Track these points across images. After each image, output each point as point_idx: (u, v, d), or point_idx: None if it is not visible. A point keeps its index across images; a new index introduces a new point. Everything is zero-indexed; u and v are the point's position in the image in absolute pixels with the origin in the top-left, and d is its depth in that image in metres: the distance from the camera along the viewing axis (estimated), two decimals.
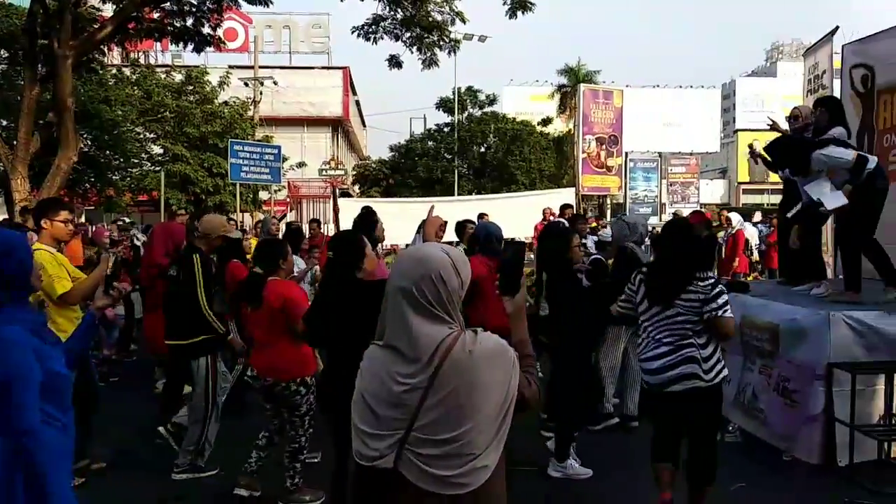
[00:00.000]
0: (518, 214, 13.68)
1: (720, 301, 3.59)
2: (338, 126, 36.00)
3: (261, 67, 26.44)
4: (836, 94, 7.39)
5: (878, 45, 7.05)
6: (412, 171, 30.21)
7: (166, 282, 4.92)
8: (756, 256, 11.61)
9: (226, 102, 21.40)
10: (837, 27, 7.66)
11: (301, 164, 26.40)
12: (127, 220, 11.69)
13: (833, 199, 5.11)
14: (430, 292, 1.83)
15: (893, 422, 4.71)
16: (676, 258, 3.72)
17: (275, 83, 26.81)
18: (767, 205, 38.08)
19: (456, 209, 14.61)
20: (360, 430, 1.85)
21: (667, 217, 23.08)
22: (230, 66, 24.40)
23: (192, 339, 4.63)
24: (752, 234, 11.81)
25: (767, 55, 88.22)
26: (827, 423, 4.69)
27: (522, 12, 11.64)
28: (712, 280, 3.68)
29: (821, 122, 5.67)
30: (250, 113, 23.08)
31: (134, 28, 11.26)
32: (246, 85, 24.42)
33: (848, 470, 4.53)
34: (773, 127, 6.04)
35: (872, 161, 5.16)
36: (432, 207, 3.82)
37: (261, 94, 25.02)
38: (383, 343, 1.87)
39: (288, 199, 27.85)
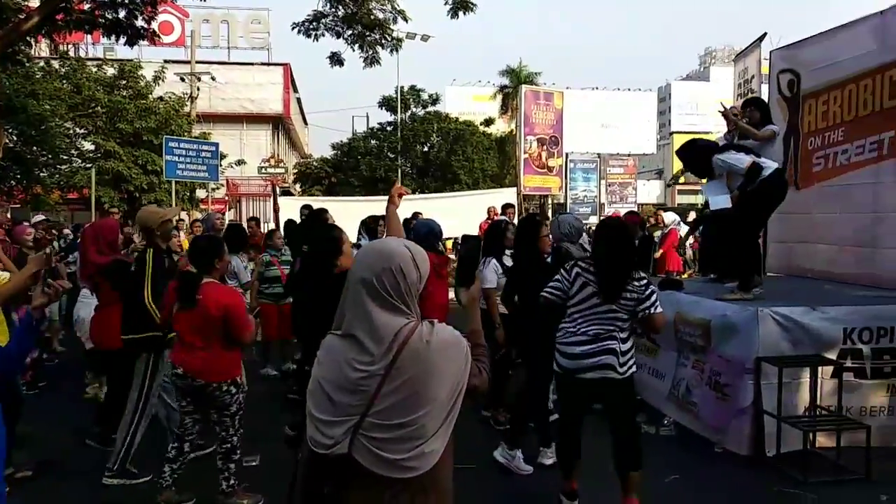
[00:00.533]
0: (461, 213, 13.73)
1: (653, 299, 3.82)
2: (278, 123, 35.41)
3: (198, 62, 25.75)
4: (765, 97, 7.69)
5: (804, 52, 7.36)
6: (355, 169, 29.94)
7: (110, 279, 4.89)
8: (690, 254, 11.96)
9: (161, 98, 20.77)
10: (765, 34, 7.97)
11: (240, 162, 25.84)
12: (43, 217, 11.19)
13: (718, 201, 5.42)
14: (390, 284, 1.92)
15: (817, 413, 4.93)
16: (618, 259, 3.85)
17: (213, 79, 26.18)
18: (702, 205, 39.30)
19: (400, 208, 14.46)
20: (315, 419, 1.91)
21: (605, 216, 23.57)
22: (165, 61, 23.73)
23: (140, 334, 4.53)
24: (685, 232, 12.15)
25: (701, 60, 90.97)
26: (756, 416, 4.87)
27: (464, 12, 11.69)
28: (645, 280, 3.89)
29: (753, 121, 5.89)
30: (187, 109, 22.46)
31: (63, 19, 10.76)
32: (182, 80, 23.76)
33: (775, 460, 4.71)
34: (725, 114, 6.16)
35: (769, 169, 5.38)
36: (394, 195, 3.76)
37: (198, 89, 24.36)
38: (342, 332, 1.94)
39: (227, 198, 27.26)
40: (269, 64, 33.91)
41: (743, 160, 5.40)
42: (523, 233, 5.14)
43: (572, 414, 4.09)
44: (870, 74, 6.37)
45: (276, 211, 10.36)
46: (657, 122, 52.97)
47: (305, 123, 46.85)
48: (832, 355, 4.94)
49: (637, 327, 4.15)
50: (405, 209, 12.53)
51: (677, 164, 47.43)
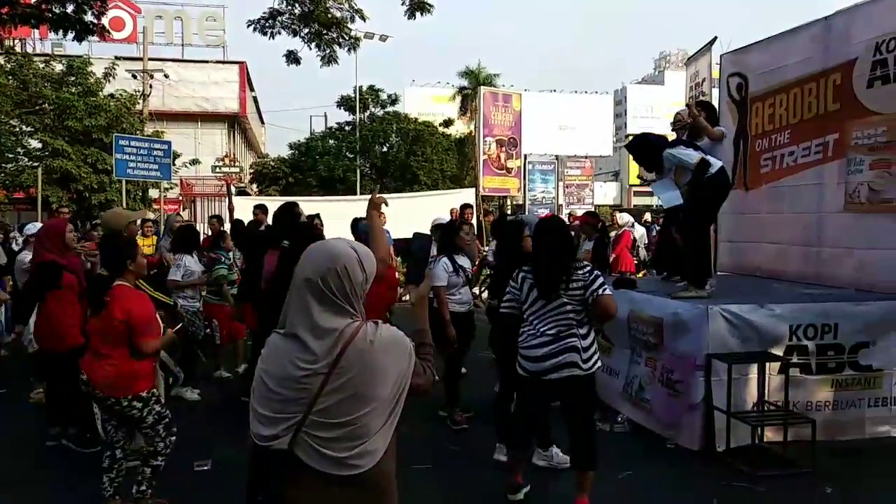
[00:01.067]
0: (420, 214, 13.69)
1: (599, 282, 3.87)
2: (234, 122, 34.86)
3: (150, 59, 25.14)
4: (715, 100, 7.87)
5: (751, 56, 7.55)
6: (313, 169, 29.65)
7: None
8: (644, 254, 12.15)
9: (112, 95, 20.20)
10: (715, 38, 8.15)
11: (195, 162, 25.28)
12: None
13: (671, 198, 5.54)
14: (335, 285, 1.94)
15: (765, 408, 5.05)
16: (551, 253, 3.95)
17: (166, 76, 25.61)
18: (656, 206, 40.03)
19: (359, 208, 14.40)
20: (258, 413, 1.94)
21: (563, 217, 23.78)
22: (117, 58, 23.11)
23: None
24: (640, 233, 12.37)
25: (656, 64, 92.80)
26: (706, 411, 4.96)
27: (421, 13, 11.65)
28: (588, 267, 3.98)
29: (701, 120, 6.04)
30: (139, 107, 21.92)
31: (7, 13, 10.37)
32: (134, 77, 23.17)
33: (726, 455, 4.81)
34: (689, 111, 6.27)
35: (715, 166, 5.51)
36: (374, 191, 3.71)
37: (150, 87, 23.80)
38: (286, 332, 1.97)
39: (181, 198, 26.69)
40: (224, 62, 33.34)
41: (692, 155, 5.52)
42: (506, 234, 5.20)
43: (531, 413, 4.14)
44: (814, 79, 6.57)
45: (231, 211, 10.20)
46: (613, 125, 53.76)
47: (262, 123, 46.23)
48: (779, 352, 5.08)
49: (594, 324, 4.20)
50: (362, 208, 12.42)
51: (634, 167, 48.21)
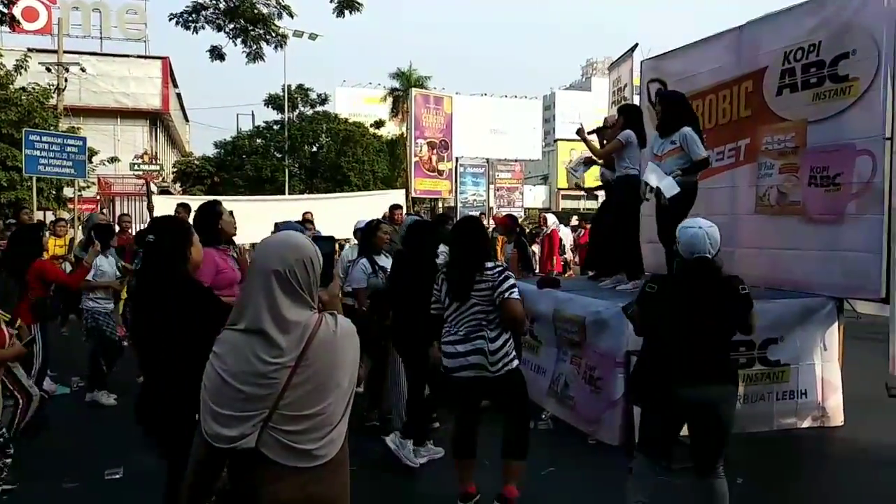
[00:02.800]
0: (349, 214, 13.55)
1: (507, 285, 3.83)
2: (157, 119, 33.71)
3: (66, 52, 23.98)
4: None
5: (669, 63, 7.81)
6: (240, 168, 29.04)
7: None
8: (570, 256, 12.43)
9: (23, 88, 19.18)
10: (637, 44, 8.39)
11: (114, 159, 24.28)
12: None
13: (669, 186, 5.54)
14: (301, 276, 1.96)
15: None
16: (467, 256, 3.95)
17: (83, 70, 24.47)
18: (584, 209, 40.97)
19: (287, 208, 14.23)
20: (218, 414, 1.89)
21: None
22: (29, 49, 21.96)
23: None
24: (566, 235, 12.63)
25: (583, 70, 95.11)
26: (626, 407, 5.08)
27: (350, 12, 11.55)
28: (500, 268, 3.96)
29: (618, 125, 6.27)
30: (53, 101, 20.89)
31: None
32: (48, 70, 22.04)
33: None
34: (579, 133, 6.51)
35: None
36: None
37: (66, 81, 22.70)
38: (245, 327, 1.93)
39: (98, 197, 25.57)
40: (146, 57, 32.19)
41: (702, 150, 5.55)
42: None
43: (463, 413, 4.12)
44: (727, 86, 6.84)
45: (150, 210, 9.86)
46: (542, 130, 54.70)
47: (186, 120, 44.89)
48: None
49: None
50: (293, 210, 12.22)
51: (562, 171, 49.24)
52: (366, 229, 5.94)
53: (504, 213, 12.33)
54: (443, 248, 6.56)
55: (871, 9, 5.33)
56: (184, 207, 8.55)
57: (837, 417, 5.56)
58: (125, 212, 22.88)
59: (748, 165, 6.63)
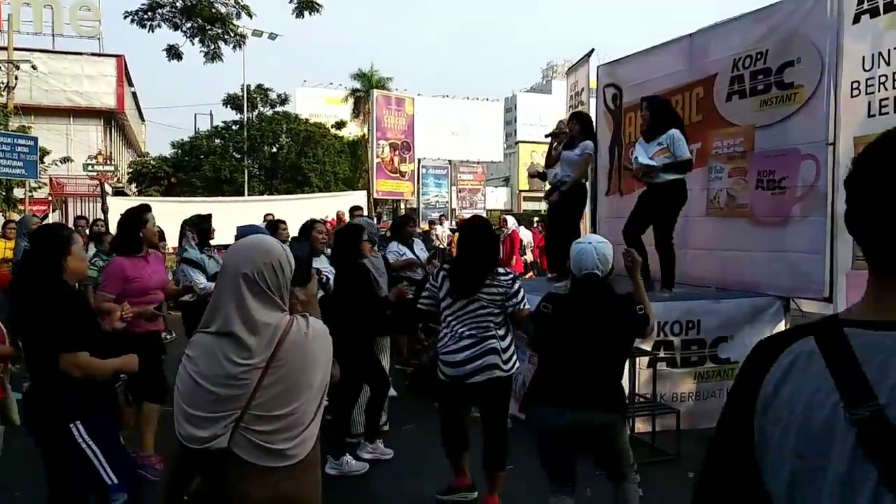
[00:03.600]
0: (309, 215, 13.48)
1: (521, 295, 3.91)
2: (111, 119, 32.91)
3: (17, 49, 23.32)
4: (593, 110, 8.25)
5: (624, 68, 7.97)
6: (197, 169, 28.60)
7: None
8: (529, 257, 12.59)
9: None
10: (593, 49, 8.54)
11: (66, 160, 23.71)
12: None
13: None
14: (270, 278, 2.00)
15: (636, 401, 5.34)
16: (477, 254, 3.94)
17: (34, 67, 23.83)
18: (544, 211, 41.38)
19: (247, 210, 14.09)
20: (190, 415, 1.92)
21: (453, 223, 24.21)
22: None
23: None
24: (525, 236, 12.77)
25: (544, 73, 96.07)
26: None
27: (310, 12, 11.49)
28: (512, 275, 4.00)
29: (573, 132, 6.39)
30: (2, 100, 20.30)
31: None
32: None
33: None
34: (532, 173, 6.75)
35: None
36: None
37: (16, 79, 22.07)
38: (216, 329, 1.97)
39: (50, 198, 24.90)
40: (100, 55, 31.42)
41: (686, 152, 5.75)
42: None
43: (454, 414, 4.12)
44: (679, 91, 7.02)
45: (105, 212, 9.67)
46: (504, 132, 55.08)
47: (142, 120, 43.95)
48: (648, 347, 5.38)
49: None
50: (253, 211, 12.08)
51: (524, 173, 49.56)
52: (301, 230, 5.86)
53: (472, 215, 12.45)
54: (395, 248, 6.56)
55: (814, 19, 5.54)
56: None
57: None
58: (79, 213, 22.39)
59: (699, 169, 6.79)
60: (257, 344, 1.94)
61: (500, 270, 3.94)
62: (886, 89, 4.95)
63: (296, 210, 14.20)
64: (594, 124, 7.29)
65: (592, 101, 8.40)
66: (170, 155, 30.52)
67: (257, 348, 1.93)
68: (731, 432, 1.05)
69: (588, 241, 3.35)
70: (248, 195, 26.42)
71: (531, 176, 7.41)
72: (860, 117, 5.16)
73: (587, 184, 6.82)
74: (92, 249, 8.23)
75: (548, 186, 7.23)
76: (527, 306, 3.89)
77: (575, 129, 6.45)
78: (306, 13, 11.50)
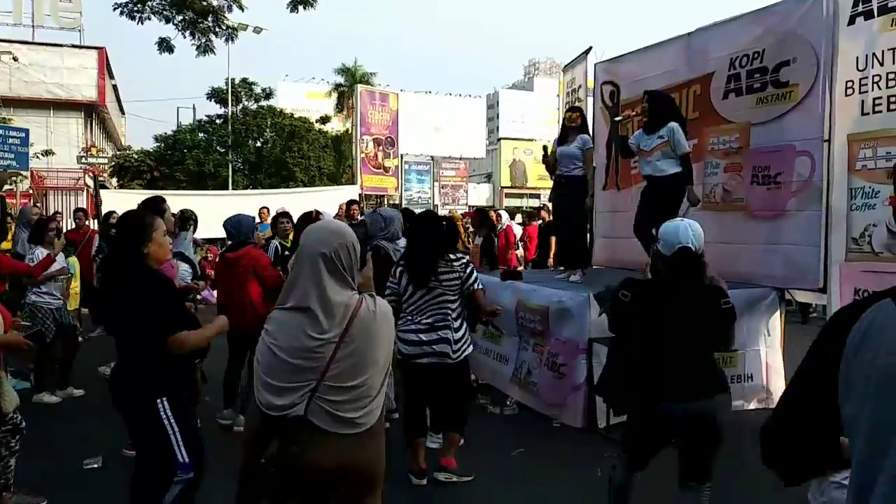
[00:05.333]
0: (302, 210, 13.50)
1: (474, 276, 4.21)
2: (92, 111, 32.49)
3: None
4: (590, 107, 8.41)
5: (622, 66, 8.15)
6: (181, 163, 28.34)
7: None
8: (521, 251, 12.70)
9: None
10: (591, 47, 8.71)
11: (48, 153, 23.45)
12: None
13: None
14: (345, 258, 2.14)
15: None
16: (428, 244, 4.18)
17: (14, 59, 23.54)
18: (526, 207, 41.65)
19: (237, 204, 14.08)
20: (270, 385, 2.08)
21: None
22: None
23: None
24: (517, 231, 12.91)
25: (526, 70, 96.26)
26: (588, 391, 5.36)
27: (304, 7, 11.54)
28: (464, 260, 4.25)
29: (576, 124, 6.63)
30: None
31: None
32: None
33: (606, 430, 5.20)
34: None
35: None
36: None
37: None
38: (294, 305, 2.11)
39: (31, 191, 24.56)
40: (81, 46, 30.99)
41: (685, 144, 5.88)
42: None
43: (416, 395, 4.35)
44: (677, 89, 7.20)
45: (98, 205, 9.65)
46: (486, 128, 55.28)
47: (123, 113, 43.41)
48: None
49: (484, 319, 4.53)
50: (244, 205, 12.11)
51: (506, 170, 49.76)
52: (300, 219, 5.95)
53: (476, 209, 12.64)
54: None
55: (810, 20, 5.75)
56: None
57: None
58: (61, 210, 22.14)
59: (696, 164, 6.97)
60: (332, 320, 2.08)
61: (453, 256, 4.19)
62: (880, 88, 5.16)
63: (289, 204, 14.23)
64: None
65: (589, 99, 8.57)
66: (152, 149, 30.20)
67: (332, 324, 2.08)
68: (816, 367, 1.34)
69: (680, 219, 3.25)
70: (233, 189, 26.30)
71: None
72: (854, 115, 5.37)
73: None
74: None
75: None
76: (479, 286, 4.22)
77: (578, 120, 6.64)
78: (301, 8, 11.56)
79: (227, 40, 13.20)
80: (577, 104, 8.59)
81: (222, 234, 5.77)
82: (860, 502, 1.15)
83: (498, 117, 59.71)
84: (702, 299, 3.10)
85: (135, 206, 4.29)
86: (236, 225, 5.39)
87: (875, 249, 5.14)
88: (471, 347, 4.32)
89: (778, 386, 5.93)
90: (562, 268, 7.22)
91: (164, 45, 12.31)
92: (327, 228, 2.28)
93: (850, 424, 1.21)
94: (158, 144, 29.96)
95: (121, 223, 3.29)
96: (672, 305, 3.06)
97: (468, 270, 4.18)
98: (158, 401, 2.93)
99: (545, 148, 7.07)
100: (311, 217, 5.89)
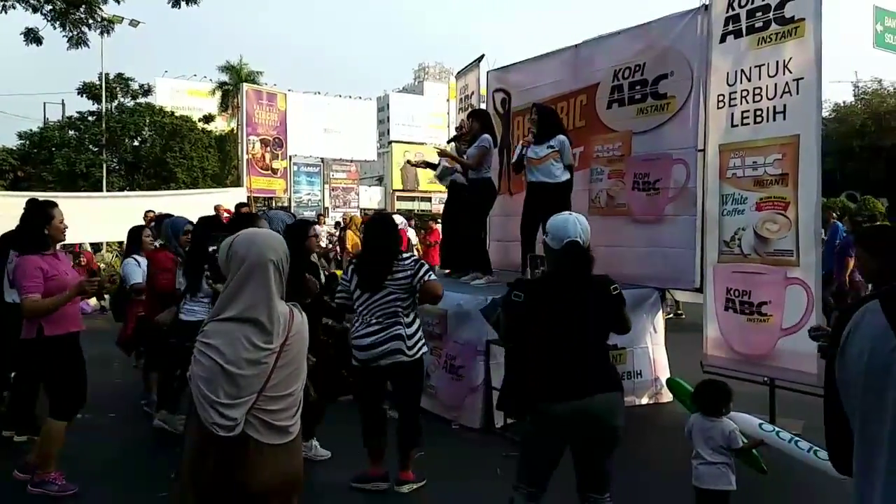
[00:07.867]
0: (186, 211, 12.93)
1: (423, 270, 4.17)
2: None
3: None
4: None
5: (513, 75, 8.40)
6: (49, 162, 26.34)
7: None
8: (415, 255, 12.87)
9: None
10: (483, 55, 8.89)
11: None
12: None
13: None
14: (284, 268, 2.20)
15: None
16: (380, 248, 4.18)
17: None
18: (418, 210, 41.92)
19: (119, 206, 13.35)
20: (218, 403, 2.03)
21: (331, 221, 23.97)
22: None
23: None
24: (411, 235, 13.00)
25: (416, 74, 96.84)
26: (486, 392, 5.47)
27: (187, 3, 11.10)
28: (414, 256, 4.30)
29: (474, 130, 6.73)
30: None
31: None
32: None
33: (502, 430, 5.32)
34: (442, 154, 7.27)
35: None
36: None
37: None
38: (237, 315, 2.07)
39: None
40: None
41: (569, 155, 6.36)
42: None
43: (371, 400, 4.31)
44: (565, 98, 7.51)
45: None
46: (377, 131, 55.02)
47: None
48: None
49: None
50: (129, 207, 11.43)
51: (398, 173, 49.79)
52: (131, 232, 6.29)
53: (375, 211, 12.55)
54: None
55: (687, 37, 6.17)
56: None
57: (667, 394, 6.23)
58: None
59: (582, 171, 7.30)
60: (276, 329, 2.11)
61: (404, 255, 4.23)
62: (747, 102, 5.59)
63: (173, 206, 13.59)
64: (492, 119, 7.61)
65: (482, 105, 8.74)
66: (16, 146, 27.90)
67: (275, 333, 2.10)
68: (827, 372, 1.52)
69: (568, 213, 3.24)
70: (107, 191, 24.76)
71: (414, 165, 7.64)
72: (724, 127, 5.78)
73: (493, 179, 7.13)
74: None
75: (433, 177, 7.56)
76: (431, 277, 4.22)
77: (475, 126, 6.77)
78: (183, 3, 11.10)
79: (101, 33, 12.57)
80: (475, 108, 8.75)
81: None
82: (861, 488, 1.28)
83: (388, 120, 59.69)
84: (591, 289, 3.09)
85: None
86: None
87: (744, 252, 5.56)
88: (426, 347, 4.32)
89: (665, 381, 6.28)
90: (447, 270, 7.34)
91: (32, 37, 11.52)
92: (271, 237, 2.26)
93: (850, 417, 1.39)
94: (23, 142, 27.72)
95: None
96: (564, 298, 3.02)
97: (416, 266, 4.17)
98: None
99: (438, 162, 7.30)
100: (215, 221, 5.75)
